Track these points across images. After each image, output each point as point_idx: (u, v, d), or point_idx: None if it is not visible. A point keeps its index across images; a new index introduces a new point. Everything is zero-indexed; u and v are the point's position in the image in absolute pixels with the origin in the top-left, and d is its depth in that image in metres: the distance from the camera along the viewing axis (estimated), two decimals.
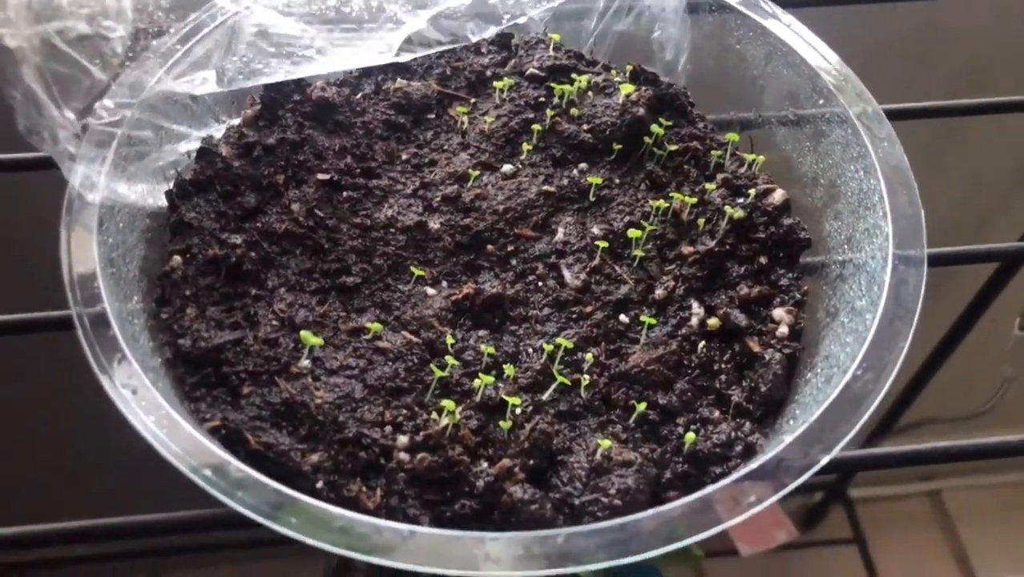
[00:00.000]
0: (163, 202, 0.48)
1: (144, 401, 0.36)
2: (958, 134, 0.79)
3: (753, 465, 0.37)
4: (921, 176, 0.46)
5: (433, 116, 0.56)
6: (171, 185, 0.49)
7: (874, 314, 0.40)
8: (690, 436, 0.43)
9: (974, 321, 1.17)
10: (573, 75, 0.56)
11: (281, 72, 0.45)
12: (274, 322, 0.45)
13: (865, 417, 0.38)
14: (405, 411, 0.43)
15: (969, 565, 1.69)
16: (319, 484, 0.39)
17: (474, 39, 0.50)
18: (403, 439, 0.42)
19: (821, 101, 0.50)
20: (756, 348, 0.46)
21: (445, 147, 0.54)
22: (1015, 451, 0.48)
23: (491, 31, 0.49)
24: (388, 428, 0.42)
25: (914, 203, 0.44)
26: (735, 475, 0.36)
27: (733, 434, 0.43)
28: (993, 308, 1.09)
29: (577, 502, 0.40)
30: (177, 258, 0.46)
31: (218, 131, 0.52)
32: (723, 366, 0.46)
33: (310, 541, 0.33)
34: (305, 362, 0.44)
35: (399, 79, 0.56)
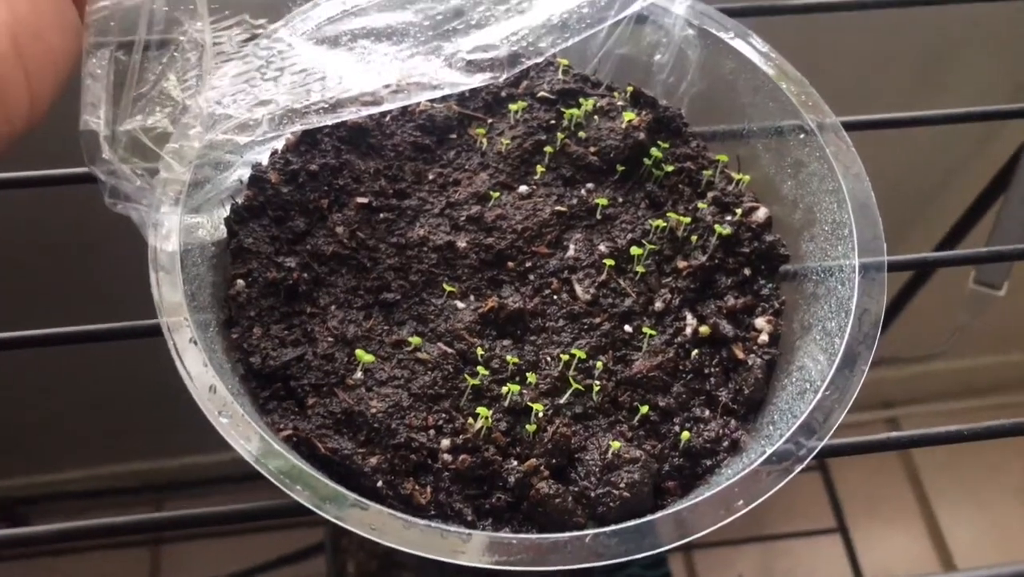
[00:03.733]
0: (223, 230, 0.54)
1: (240, 426, 0.43)
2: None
3: (741, 472, 0.45)
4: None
5: (455, 136, 0.62)
6: (228, 212, 0.55)
7: (842, 339, 0.48)
8: (685, 434, 0.51)
9: (929, 274, 1.27)
10: (580, 99, 0.62)
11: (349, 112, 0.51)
12: (329, 338, 0.52)
13: (836, 424, 0.46)
14: (444, 415, 0.51)
15: (921, 485, 1.85)
16: (379, 484, 0.47)
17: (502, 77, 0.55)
18: (445, 442, 0.49)
19: (802, 136, 0.56)
20: (740, 354, 0.54)
21: (466, 166, 0.60)
22: (996, 434, 0.55)
23: (515, 71, 0.54)
24: (432, 432, 0.50)
25: (878, 237, 0.51)
26: (727, 481, 0.45)
27: (721, 431, 0.51)
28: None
29: (593, 494, 0.48)
30: (240, 282, 0.53)
31: (262, 155, 0.58)
32: (712, 370, 0.54)
33: (385, 542, 0.41)
34: (359, 374, 0.51)
35: (422, 101, 0.62)
